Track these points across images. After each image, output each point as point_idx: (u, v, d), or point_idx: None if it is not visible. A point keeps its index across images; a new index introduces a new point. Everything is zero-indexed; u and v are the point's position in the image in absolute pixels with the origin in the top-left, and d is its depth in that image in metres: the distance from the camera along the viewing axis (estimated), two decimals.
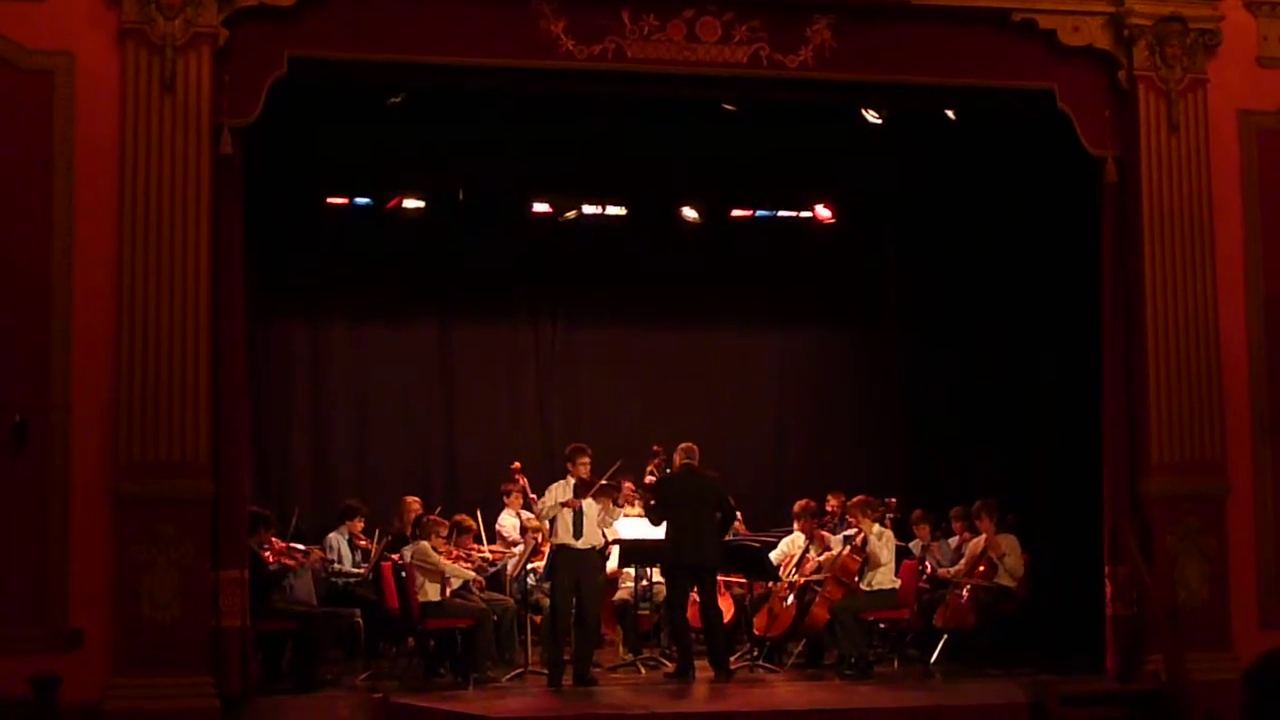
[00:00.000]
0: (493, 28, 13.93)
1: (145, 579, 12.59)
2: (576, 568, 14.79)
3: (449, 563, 15.22)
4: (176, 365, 12.82)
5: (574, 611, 14.76)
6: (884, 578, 15.75)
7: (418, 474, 19.24)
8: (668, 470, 16.19)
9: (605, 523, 15.31)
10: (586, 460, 15.04)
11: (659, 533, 15.48)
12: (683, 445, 15.66)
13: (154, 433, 12.73)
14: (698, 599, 15.41)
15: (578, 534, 14.77)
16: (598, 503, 15.01)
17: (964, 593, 16.06)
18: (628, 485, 16.85)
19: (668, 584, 15.70)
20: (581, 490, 14.86)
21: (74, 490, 12.71)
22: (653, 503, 15.76)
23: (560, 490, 14.94)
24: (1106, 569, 14.58)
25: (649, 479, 17.16)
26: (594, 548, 15.05)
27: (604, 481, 15.10)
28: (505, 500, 17.54)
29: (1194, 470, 14.41)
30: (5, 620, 12.50)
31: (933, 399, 19.91)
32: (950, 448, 19.38)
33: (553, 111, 16.20)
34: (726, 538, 16.43)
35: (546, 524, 15.16)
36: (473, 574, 15.48)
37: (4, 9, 13.00)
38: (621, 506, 16.43)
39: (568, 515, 14.78)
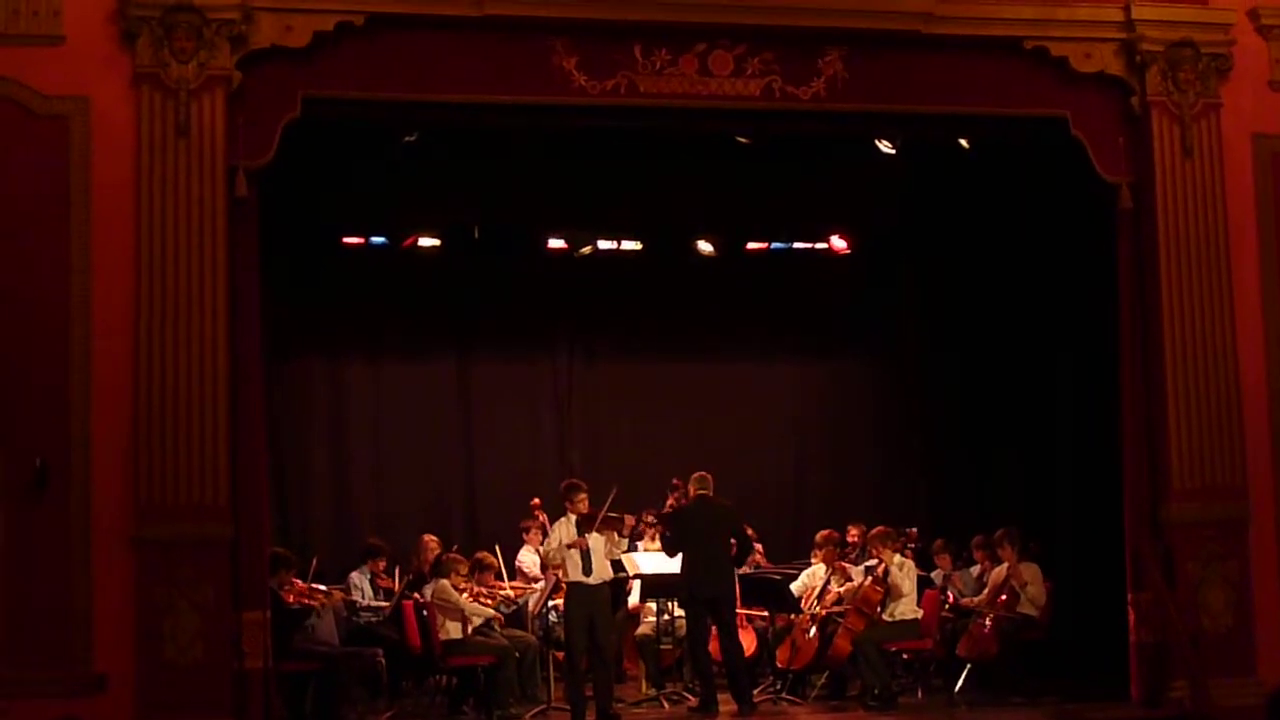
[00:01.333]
0: (505, 65, 13.98)
1: (167, 621, 12.62)
2: (588, 604, 14.73)
3: (469, 601, 15.21)
4: (195, 406, 12.85)
5: (592, 647, 14.73)
6: (906, 608, 15.72)
7: (437, 511, 19.20)
8: (683, 500, 16.15)
9: (612, 553, 15.26)
10: (584, 496, 14.99)
11: (678, 566, 15.46)
12: (697, 474, 15.61)
13: (173, 474, 12.75)
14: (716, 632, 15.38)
15: (587, 570, 14.70)
16: (602, 535, 14.97)
17: (987, 622, 16.02)
18: (646, 518, 16.83)
19: (687, 617, 15.64)
20: (584, 525, 14.83)
21: (95, 533, 12.74)
22: (667, 534, 15.75)
23: (563, 529, 14.89)
24: (1129, 596, 14.56)
25: (648, 515, 17.18)
26: (604, 582, 15.00)
27: (607, 514, 15.06)
28: (525, 537, 17.50)
29: (1215, 495, 14.39)
30: (29, 664, 12.51)
31: (951, 428, 19.89)
32: (970, 477, 19.36)
33: (566, 147, 16.22)
34: (745, 570, 16.43)
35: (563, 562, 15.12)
36: (493, 612, 15.46)
37: (19, 55, 13.06)
38: (641, 539, 16.43)
39: (575, 554, 14.74)
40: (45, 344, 12.85)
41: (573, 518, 14.90)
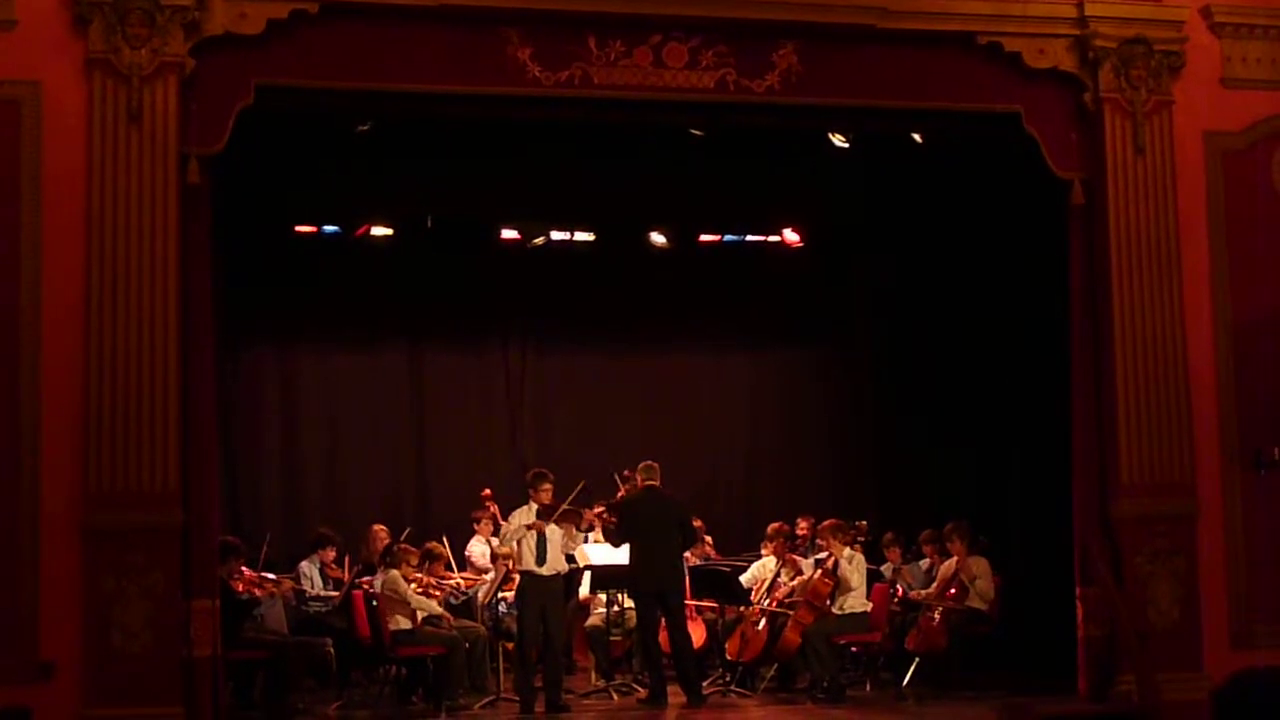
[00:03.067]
0: (460, 55, 13.94)
1: (116, 609, 12.55)
2: (542, 594, 14.77)
3: (417, 596, 15.18)
4: (145, 394, 12.78)
5: (542, 638, 14.75)
6: (855, 601, 15.76)
7: (388, 501, 19.19)
8: (631, 491, 16.14)
9: (568, 548, 15.31)
10: (549, 486, 15.02)
11: (628, 557, 15.47)
12: (644, 464, 15.62)
13: (123, 462, 12.68)
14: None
15: (540, 560, 14.75)
16: (560, 528, 14.99)
17: (936, 615, 16.07)
18: (596, 510, 16.84)
19: (636, 608, 15.66)
20: (544, 516, 14.84)
21: (43, 520, 12.66)
22: (614, 524, 15.75)
23: (523, 516, 14.92)
24: (1078, 590, 14.61)
25: (597, 508, 17.20)
26: (558, 573, 15.03)
27: (566, 506, 15.08)
28: (475, 527, 17.51)
29: (1163, 491, 14.44)
30: None
31: (903, 422, 19.95)
32: (921, 471, 19.39)
33: (520, 138, 16.19)
34: (696, 561, 16.47)
35: (515, 548, 15.11)
36: (439, 609, 15.41)
37: None
38: (591, 530, 16.44)
39: (531, 541, 14.75)
40: None
41: (534, 506, 14.91)
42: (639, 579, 15.28)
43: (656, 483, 15.49)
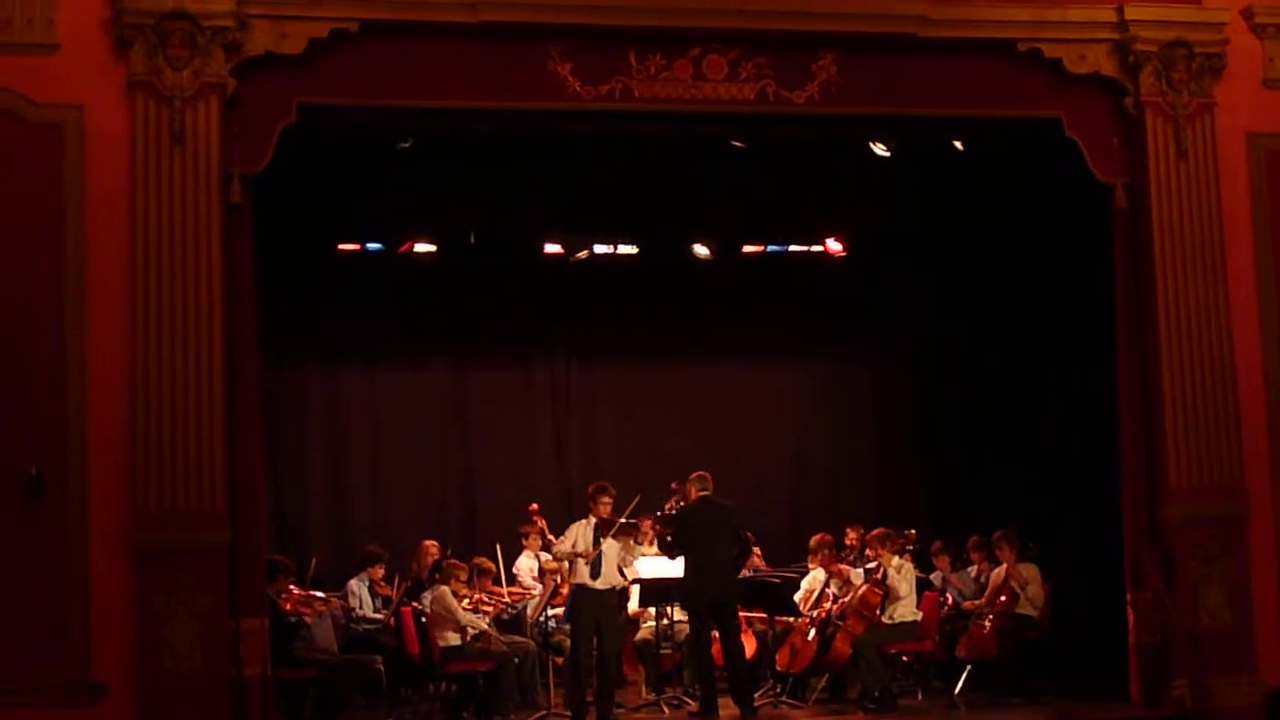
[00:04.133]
0: (500, 71, 13.98)
1: (165, 629, 12.59)
2: (595, 608, 14.77)
3: (465, 613, 15.18)
4: (192, 414, 12.83)
5: (595, 652, 14.75)
6: (905, 610, 15.73)
7: (435, 517, 19.19)
8: (681, 503, 16.10)
9: (626, 562, 15.28)
10: (609, 500, 15.01)
11: (679, 571, 15.44)
12: (696, 474, 15.54)
13: (170, 482, 12.74)
14: (718, 636, 15.35)
15: (595, 574, 14.75)
16: (618, 542, 14.98)
17: (986, 623, 16.04)
18: (647, 523, 16.82)
19: (690, 620, 15.60)
20: (603, 529, 14.84)
21: (92, 541, 12.72)
22: (669, 537, 15.72)
23: (580, 530, 14.91)
24: (1128, 596, 14.57)
25: (648, 520, 17.18)
26: (613, 588, 15.03)
27: (624, 520, 15.08)
28: (524, 542, 17.49)
29: (1213, 494, 14.38)
30: (27, 673, 12.49)
31: (949, 429, 19.90)
32: (968, 478, 19.34)
33: (562, 152, 16.21)
34: (745, 573, 16.41)
35: (565, 565, 15.10)
36: (485, 626, 15.39)
37: (13, 63, 13.04)
38: (641, 545, 16.42)
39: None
40: (41, 351, 12.83)
41: (593, 520, 14.91)
42: (693, 591, 15.21)
43: (709, 493, 15.45)
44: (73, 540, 12.69)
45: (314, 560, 16.72)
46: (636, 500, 15.41)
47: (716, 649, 15.35)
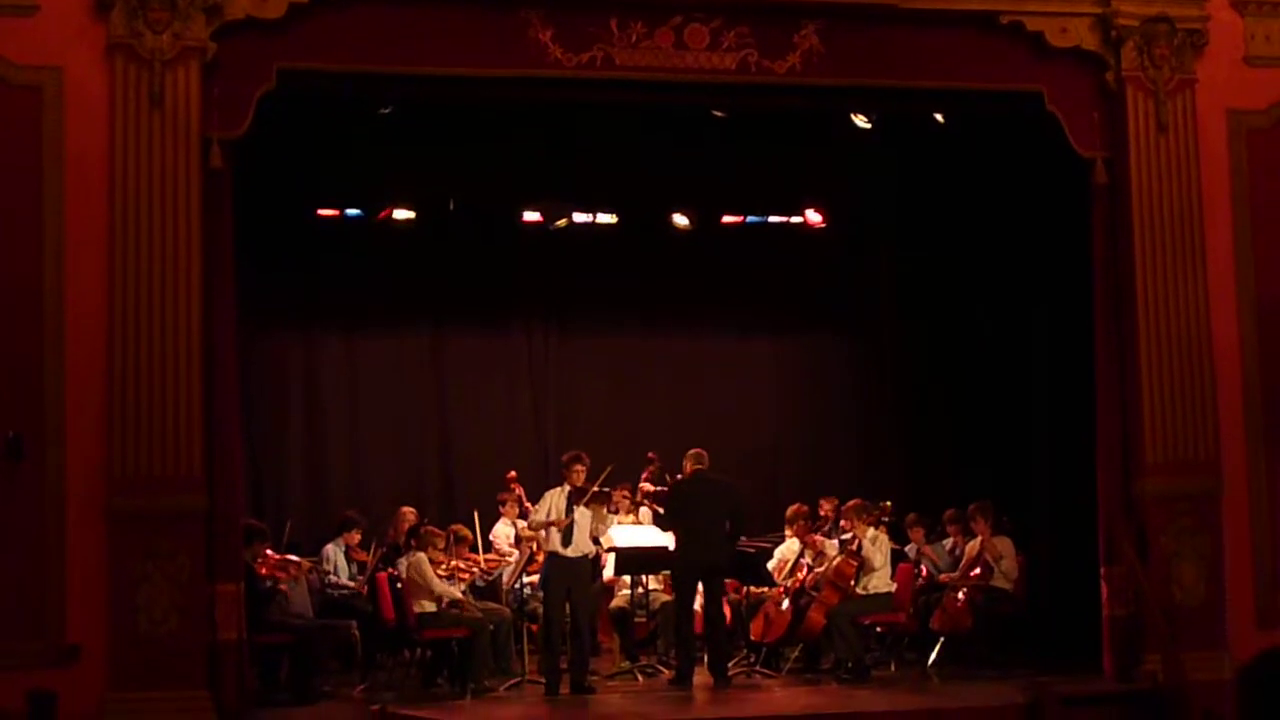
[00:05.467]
0: (481, 37, 13.93)
1: (141, 593, 12.60)
2: (567, 576, 14.81)
3: (439, 581, 15.17)
4: (169, 379, 12.82)
5: (568, 620, 14.78)
6: (880, 581, 15.75)
7: (412, 484, 19.21)
8: (677, 476, 16.08)
9: (598, 530, 15.31)
10: (582, 468, 15.04)
11: (654, 540, 15.47)
12: (693, 451, 15.61)
13: (148, 447, 12.73)
14: (701, 605, 15.37)
15: (566, 542, 14.78)
16: (590, 510, 15.00)
17: (960, 595, 16.08)
18: (619, 493, 16.83)
19: (676, 588, 15.59)
20: (576, 497, 14.87)
21: (69, 505, 12.72)
22: (663, 511, 15.72)
23: (554, 498, 14.95)
24: (1102, 570, 14.58)
25: (644, 486, 17.19)
26: (585, 556, 15.06)
27: (597, 489, 15.10)
28: (501, 510, 17.52)
29: (1188, 470, 14.42)
30: (2, 635, 12.50)
31: (927, 402, 19.93)
32: (945, 451, 19.40)
33: (542, 120, 16.22)
34: None
35: (541, 533, 15.12)
36: (459, 594, 15.39)
37: None
38: (615, 514, 16.44)
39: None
40: (19, 316, 12.82)
41: (566, 488, 14.95)
42: (683, 562, 15.25)
43: (705, 467, 15.47)
44: (49, 504, 12.68)
45: (288, 524, 16.74)
46: (608, 470, 15.39)
47: (698, 621, 15.37)
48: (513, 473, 17.65)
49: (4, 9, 13.04)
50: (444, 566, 15.34)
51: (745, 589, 16.76)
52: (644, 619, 16.49)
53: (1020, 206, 17.24)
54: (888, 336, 20.57)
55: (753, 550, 16.74)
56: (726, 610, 16.44)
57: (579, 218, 19.67)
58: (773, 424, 20.69)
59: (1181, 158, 14.62)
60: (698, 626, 15.39)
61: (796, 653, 16.40)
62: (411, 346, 19.75)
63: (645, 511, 17.16)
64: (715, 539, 15.22)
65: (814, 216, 20.33)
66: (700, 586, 15.25)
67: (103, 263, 12.87)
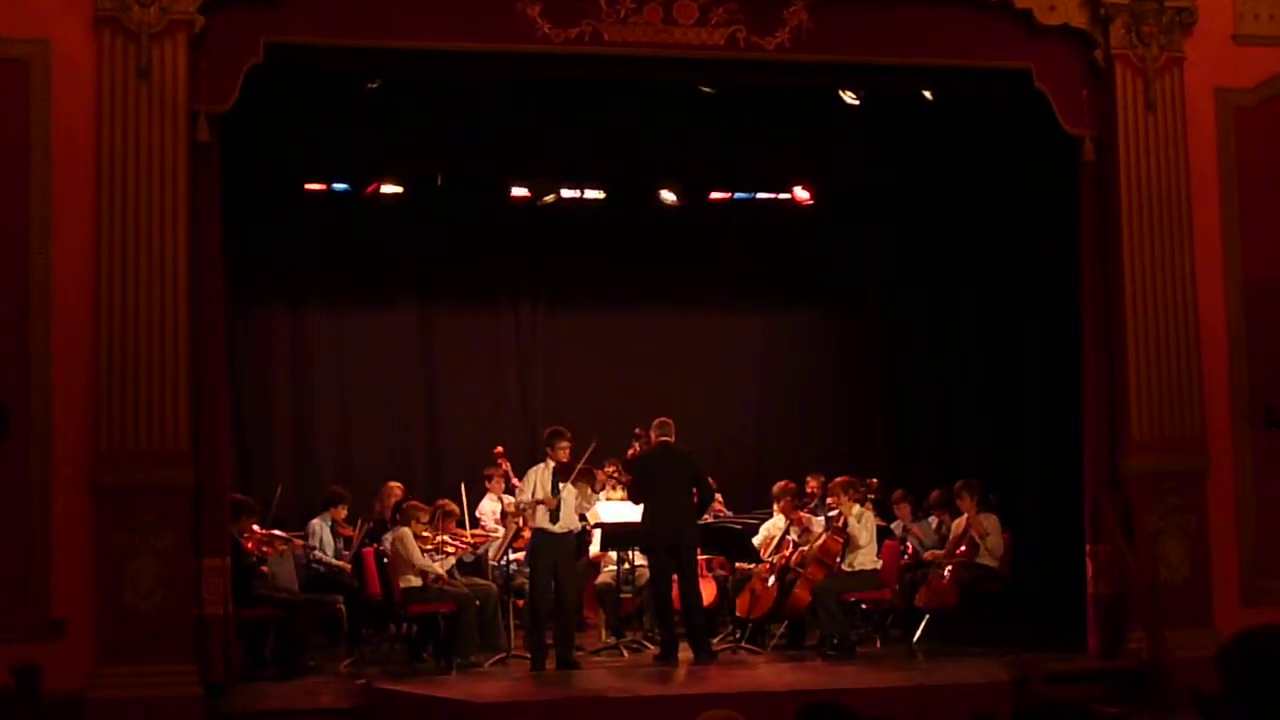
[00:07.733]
0: (469, 12, 13.90)
1: (127, 567, 12.59)
2: (553, 552, 14.83)
3: (421, 557, 15.17)
4: (156, 352, 12.80)
5: (553, 595, 14.80)
6: (865, 558, 15.77)
7: (399, 459, 19.19)
8: (645, 447, 16.13)
9: (583, 506, 15.33)
10: (566, 444, 15.06)
11: (640, 515, 15.48)
12: (658, 420, 15.63)
13: (134, 420, 12.72)
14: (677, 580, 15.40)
15: (554, 518, 14.80)
16: (575, 486, 15.01)
17: (946, 572, 16.11)
18: (608, 469, 16.84)
19: (650, 564, 15.67)
20: (561, 474, 14.88)
21: (55, 478, 12.71)
22: (630, 481, 15.75)
23: (539, 474, 14.97)
24: (1088, 548, 14.61)
25: None
26: (570, 531, 15.09)
27: (582, 465, 15.10)
28: (487, 485, 17.52)
29: (1174, 448, 14.44)
30: None
31: (914, 379, 19.93)
32: (932, 427, 19.42)
33: (530, 95, 16.18)
34: (706, 519, 16.44)
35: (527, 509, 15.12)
36: (442, 571, 15.40)
37: None
38: (601, 490, 16.45)
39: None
40: (5, 289, 12.80)
41: (550, 464, 14.95)
42: (652, 534, 15.26)
43: (671, 439, 15.50)
44: (35, 477, 12.67)
45: (279, 488, 16.77)
46: (592, 446, 15.37)
47: (677, 593, 15.39)
48: (499, 448, 17.66)
49: None
50: (429, 541, 15.35)
51: (732, 564, 16.78)
52: (629, 595, 16.50)
53: (1008, 184, 17.23)
54: (875, 313, 20.57)
55: (739, 526, 16.77)
56: (712, 586, 16.50)
57: (567, 193, 19.61)
58: (760, 400, 20.67)
59: (1170, 136, 14.61)
60: (677, 603, 15.40)
61: (782, 629, 16.40)
62: (399, 321, 19.70)
63: None
64: (681, 511, 15.25)
65: (802, 193, 20.30)
66: (673, 560, 15.25)
67: (89, 236, 12.84)
